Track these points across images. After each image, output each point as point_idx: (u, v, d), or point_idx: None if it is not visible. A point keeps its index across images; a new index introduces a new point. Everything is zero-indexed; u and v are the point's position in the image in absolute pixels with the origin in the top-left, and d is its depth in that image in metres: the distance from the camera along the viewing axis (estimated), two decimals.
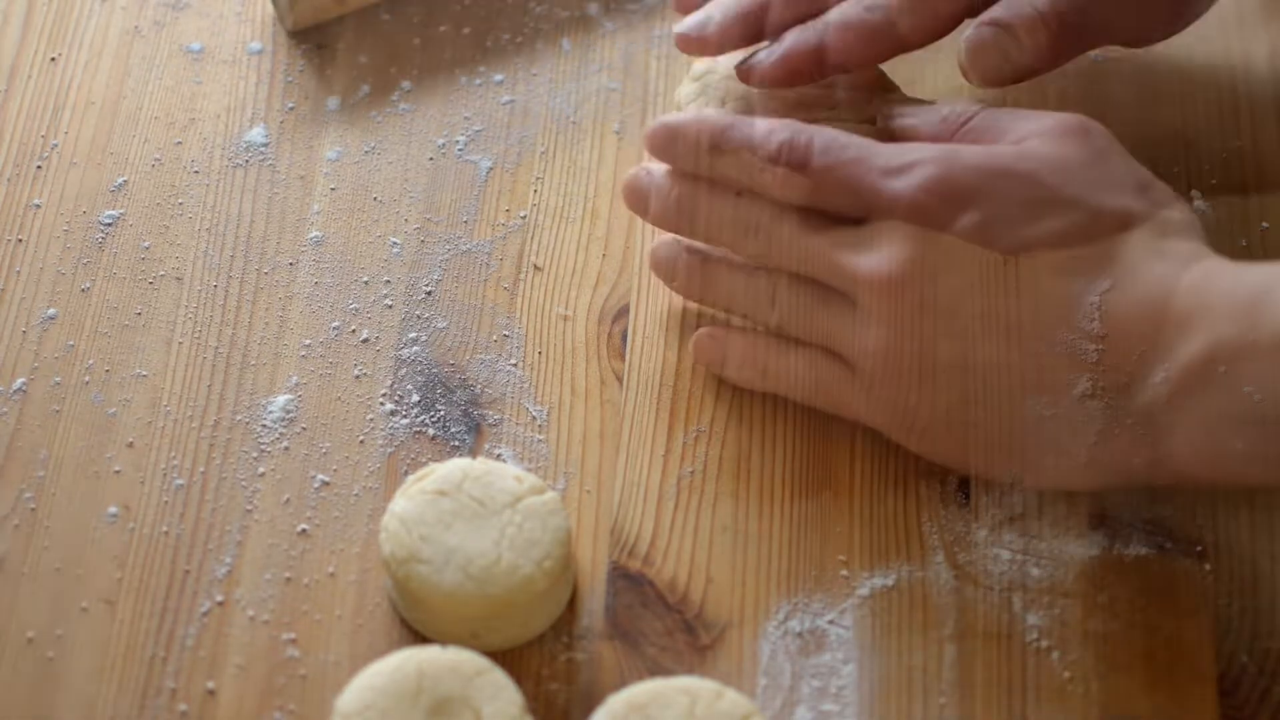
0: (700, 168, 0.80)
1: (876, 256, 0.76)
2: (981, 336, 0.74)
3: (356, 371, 0.82)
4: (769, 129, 0.78)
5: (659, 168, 0.81)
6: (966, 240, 0.75)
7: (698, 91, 0.85)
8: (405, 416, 0.80)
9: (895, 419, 0.77)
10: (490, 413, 0.80)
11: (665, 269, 0.82)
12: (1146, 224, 0.75)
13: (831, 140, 0.77)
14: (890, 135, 0.80)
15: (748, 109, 0.83)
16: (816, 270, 0.78)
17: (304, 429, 0.80)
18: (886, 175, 0.76)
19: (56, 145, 0.88)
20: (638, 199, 0.81)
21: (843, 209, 0.77)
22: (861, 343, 0.76)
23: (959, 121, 0.79)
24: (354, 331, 0.83)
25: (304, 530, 0.77)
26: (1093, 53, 0.90)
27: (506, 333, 0.83)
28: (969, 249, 0.74)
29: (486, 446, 0.79)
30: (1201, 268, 0.73)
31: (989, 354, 0.74)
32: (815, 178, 0.77)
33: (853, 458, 0.79)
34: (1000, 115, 0.79)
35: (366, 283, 0.84)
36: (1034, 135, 0.77)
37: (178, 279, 0.84)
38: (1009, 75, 0.81)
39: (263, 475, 0.79)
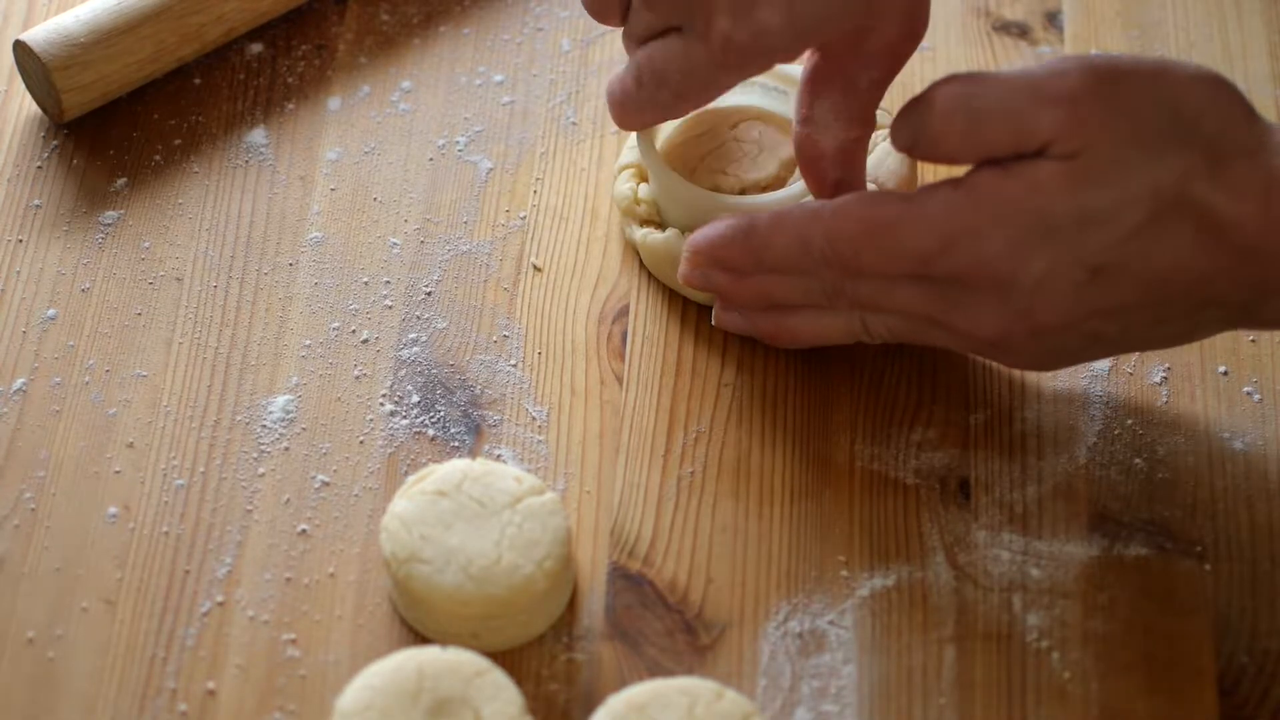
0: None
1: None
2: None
3: (356, 372, 0.82)
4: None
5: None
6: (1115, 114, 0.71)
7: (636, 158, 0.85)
8: (405, 417, 0.80)
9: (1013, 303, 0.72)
10: (490, 413, 0.80)
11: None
12: None
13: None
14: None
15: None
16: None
17: (304, 429, 0.80)
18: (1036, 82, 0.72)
19: (56, 145, 0.88)
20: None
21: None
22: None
23: None
24: (354, 332, 0.83)
25: (304, 530, 0.78)
26: (1092, 52, 0.90)
27: (506, 333, 0.83)
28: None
29: (486, 447, 0.79)
30: None
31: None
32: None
33: (852, 458, 0.79)
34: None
35: (366, 283, 0.84)
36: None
37: (178, 279, 0.84)
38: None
39: (263, 475, 0.79)
